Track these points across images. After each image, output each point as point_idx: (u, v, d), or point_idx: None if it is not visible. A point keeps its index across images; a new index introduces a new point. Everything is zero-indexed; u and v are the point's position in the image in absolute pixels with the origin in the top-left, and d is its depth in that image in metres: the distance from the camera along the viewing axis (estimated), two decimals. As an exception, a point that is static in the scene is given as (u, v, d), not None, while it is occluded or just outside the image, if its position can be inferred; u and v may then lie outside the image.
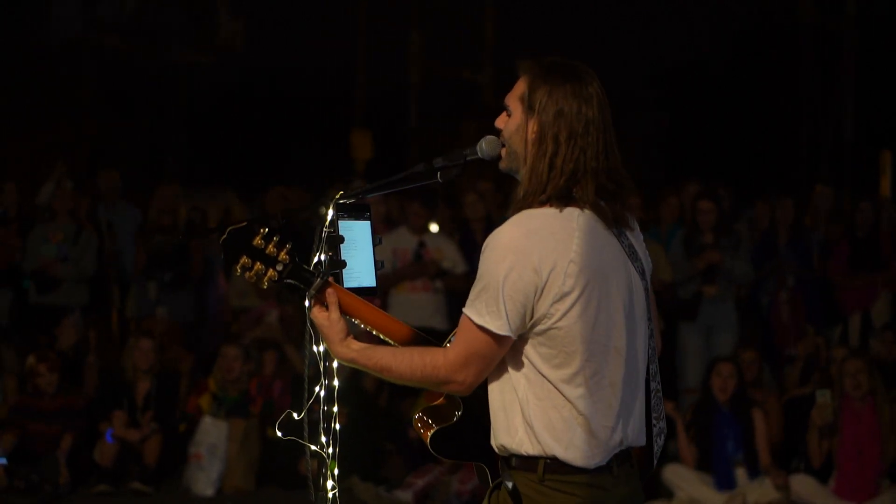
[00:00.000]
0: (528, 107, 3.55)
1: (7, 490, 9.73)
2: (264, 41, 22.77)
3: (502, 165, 3.68)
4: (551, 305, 3.42)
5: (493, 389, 3.56)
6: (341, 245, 3.76)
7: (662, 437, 3.76)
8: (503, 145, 3.66)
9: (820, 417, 9.30)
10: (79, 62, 21.95)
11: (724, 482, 9.42)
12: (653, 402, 3.69)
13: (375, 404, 10.45)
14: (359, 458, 9.75)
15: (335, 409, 3.93)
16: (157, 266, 11.51)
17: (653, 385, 3.68)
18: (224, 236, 3.68)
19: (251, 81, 23.26)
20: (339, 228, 3.78)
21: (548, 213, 3.48)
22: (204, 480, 9.97)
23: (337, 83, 23.31)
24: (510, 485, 3.53)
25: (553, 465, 3.47)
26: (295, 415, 3.88)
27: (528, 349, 3.48)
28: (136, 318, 11.60)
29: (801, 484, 9.31)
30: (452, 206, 11.88)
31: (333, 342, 3.64)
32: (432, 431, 3.68)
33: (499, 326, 3.42)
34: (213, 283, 11.93)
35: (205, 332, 11.88)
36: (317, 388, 3.90)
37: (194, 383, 10.80)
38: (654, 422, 3.70)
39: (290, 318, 11.12)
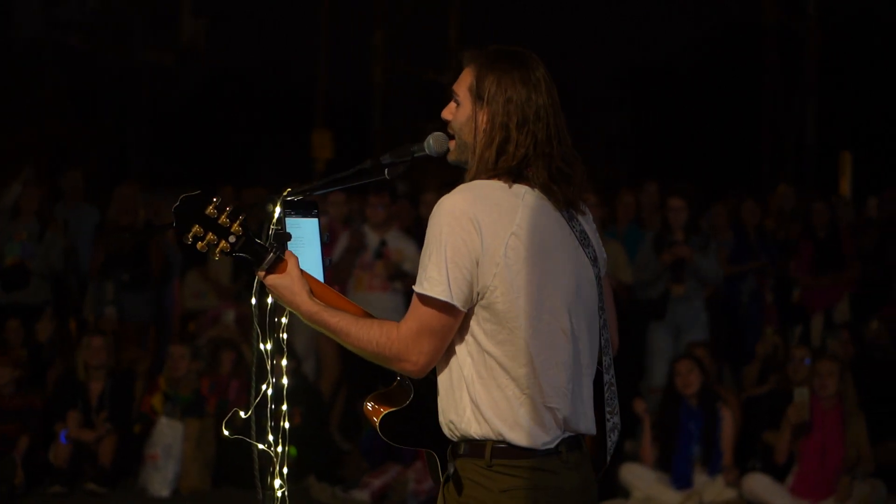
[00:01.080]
0: (477, 96, 3.54)
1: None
2: (227, 41, 22.76)
3: (451, 158, 3.65)
4: (493, 277, 3.38)
5: (441, 369, 3.52)
6: (289, 242, 3.73)
7: (616, 433, 3.72)
8: (451, 138, 3.65)
9: (796, 415, 9.31)
10: (40, 62, 21.86)
11: (683, 481, 9.42)
12: (606, 395, 3.66)
13: (332, 404, 10.43)
14: (316, 458, 9.73)
15: (284, 407, 3.92)
16: (115, 266, 11.45)
17: (606, 378, 3.66)
18: (176, 204, 3.63)
19: (213, 81, 23.23)
20: (287, 226, 3.76)
21: (495, 184, 3.47)
22: (160, 481, 9.91)
23: (299, 83, 23.31)
24: (451, 470, 3.51)
25: (500, 450, 3.44)
26: (242, 413, 3.86)
27: (473, 326, 3.45)
28: (92, 319, 11.53)
29: (757, 482, 9.33)
30: (416, 205, 11.86)
31: (298, 295, 3.59)
32: (381, 415, 3.62)
33: (440, 292, 3.38)
34: (170, 284, 11.88)
35: (163, 333, 11.82)
36: (263, 387, 3.88)
37: (150, 384, 10.74)
38: (608, 416, 3.68)
39: (247, 318, 11.08)
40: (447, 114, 3.65)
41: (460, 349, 3.48)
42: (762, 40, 22.58)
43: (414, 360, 3.45)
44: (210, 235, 3.63)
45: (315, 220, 3.87)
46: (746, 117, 23.16)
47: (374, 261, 10.60)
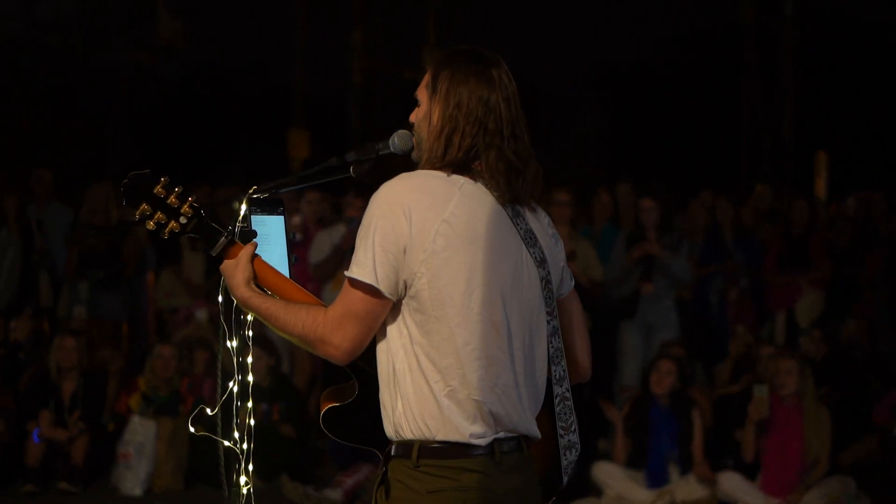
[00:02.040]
0: (432, 91, 3.55)
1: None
2: (204, 40, 22.70)
3: (415, 156, 3.66)
4: (421, 263, 3.37)
5: (381, 362, 3.50)
6: (254, 240, 3.74)
7: (574, 452, 3.62)
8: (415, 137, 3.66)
9: (756, 412, 9.35)
10: (17, 61, 21.78)
11: (656, 479, 9.45)
12: (557, 408, 3.59)
13: (305, 402, 10.42)
14: (288, 457, 9.72)
15: (250, 404, 3.92)
16: (89, 265, 11.42)
17: (558, 390, 3.59)
18: (125, 181, 3.64)
19: (191, 80, 23.18)
20: (252, 223, 3.78)
21: (433, 174, 3.47)
22: (132, 480, 9.89)
23: (277, 82, 23.27)
24: (382, 471, 3.49)
25: (428, 450, 3.40)
26: (208, 410, 3.87)
27: (406, 316, 3.42)
28: (66, 318, 11.50)
29: (729, 480, 9.37)
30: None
31: (235, 279, 3.61)
32: (326, 408, 3.62)
33: (365, 275, 3.38)
34: (143, 283, 11.86)
35: (137, 331, 11.79)
36: (230, 384, 3.88)
37: (124, 383, 10.72)
38: (562, 432, 3.59)
39: (220, 317, 11.06)
40: (412, 117, 3.67)
41: (394, 342, 3.45)
42: (739, 40, 22.61)
43: (337, 343, 3.43)
44: (159, 214, 3.65)
45: (281, 218, 3.90)
46: (723, 117, 23.19)
47: (348, 255, 10.60)
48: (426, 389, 3.39)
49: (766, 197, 13.16)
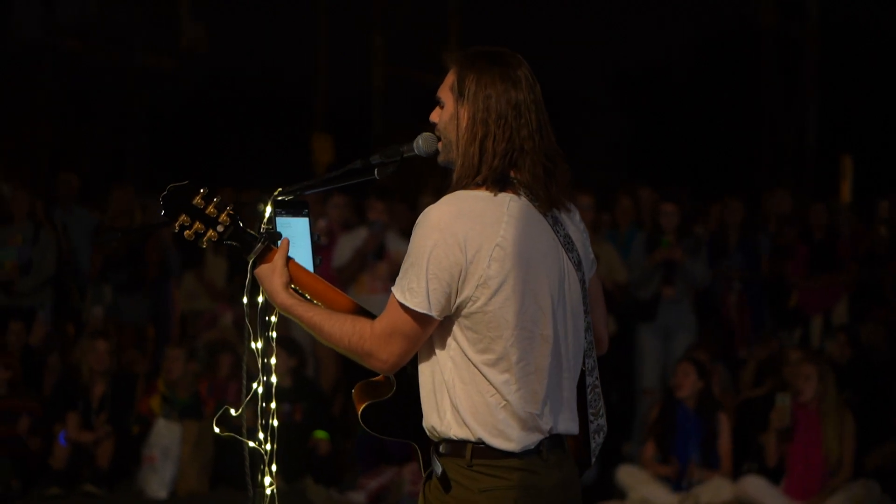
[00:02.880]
0: (459, 94, 3.56)
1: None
2: (226, 45, 22.75)
3: (440, 159, 3.67)
4: (476, 289, 3.42)
5: (424, 372, 3.56)
6: (279, 241, 3.76)
7: (601, 435, 3.74)
8: (439, 139, 3.67)
9: (778, 420, 9.35)
10: (39, 65, 21.86)
11: (681, 483, 9.44)
12: (589, 397, 3.69)
13: (329, 405, 10.44)
14: (312, 460, 9.74)
15: (273, 405, 3.94)
16: (112, 268, 11.47)
17: (589, 380, 3.68)
18: (164, 193, 3.70)
19: (213, 85, 23.23)
20: (278, 225, 3.80)
21: (479, 195, 3.49)
22: (157, 482, 9.92)
23: (299, 87, 23.31)
24: (439, 471, 3.53)
25: (480, 450, 3.47)
26: (233, 411, 3.88)
27: (455, 332, 3.48)
28: (90, 321, 11.54)
29: (753, 484, 9.35)
30: (413, 208, 11.88)
31: (274, 285, 3.65)
32: (364, 405, 3.66)
33: (418, 304, 3.43)
34: (168, 286, 11.90)
35: (160, 334, 11.84)
36: (254, 385, 3.90)
37: (147, 386, 10.76)
38: (592, 418, 3.70)
39: (244, 320, 11.08)
40: (433, 116, 3.68)
41: (441, 354, 3.51)
42: (761, 44, 22.58)
43: (384, 358, 3.50)
44: (197, 224, 3.71)
45: (306, 220, 3.90)
46: (746, 121, 23.16)
47: (375, 262, 10.61)
48: (480, 402, 3.46)
49: (784, 200, 13.13)
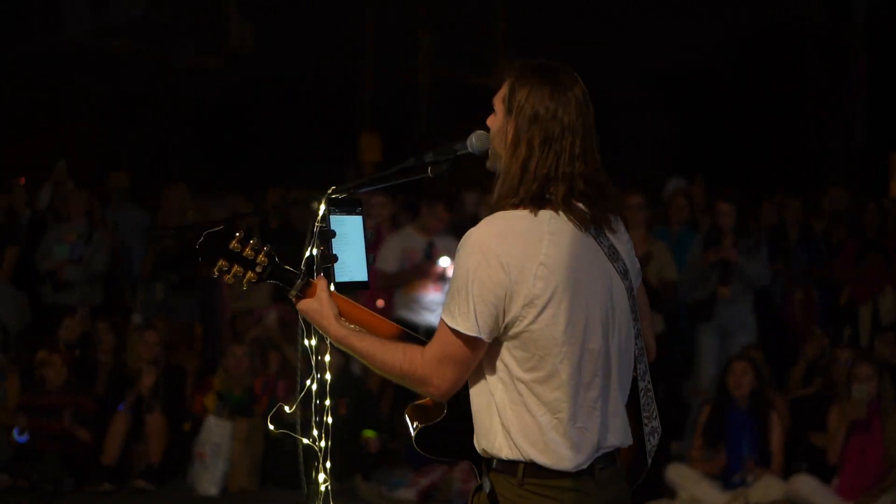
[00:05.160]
0: (508, 109, 3.56)
1: (10, 490, 9.74)
2: (273, 45, 22.79)
3: (489, 165, 3.69)
4: (522, 308, 3.41)
5: (473, 394, 3.56)
6: (333, 240, 3.77)
7: (656, 437, 3.74)
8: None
9: (854, 412, 9.26)
10: (87, 65, 21.98)
11: (732, 481, 9.42)
12: (642, 401, 3.69)
13: (377, 403, 10.46)
14: (362, 457, 9.77)
15: (327, 402, 3.96)
16: (164, 267, 11.54)
17: (641, 385, 3.68)
18: (200, 240, 3.75)
19: (259, 85, 23.27)
20: (331, 223, 3.80)
21: (519, 214, 3.48)
22: (208, 479, 9.98)
23: (345, 86, 23.32)
24: (488, 488, 3.53)
25: (532, 469, 3.46)
26: (287, 408, 3.91)
27: (503, 353, 3.48)
28: (143, 319, 11.61)
29: (804, 483, 9.31)
30: (457, 206, 11.88)
31: (326, 319, 3.68)
32: (416, 430, 3.69)
33: (468, 328, 3.42)
34: (218, 284, 11.95)
35: (210, 333, 11.90)
36: (308, 382, 3.92)
37: (198, 384, 10.82)
38: (646, 421, 3.70)
39: (289, 318, 11.14)
40: (489, 121, 3.68)
41: (490, 376, 3.51)
42: (807, 41, 22.45)
43: (437, 384, 3.51)
44: (236, 268, 3.75)
45: (359, 218, 3.91)
46: (793, 119, 23.02)
47: (424, 261, 10.60)
48: (531, 422, 3.46)
49: (840, 199, 13.08)
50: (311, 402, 3.95)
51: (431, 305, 10.28)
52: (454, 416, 3.63)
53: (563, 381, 3.44)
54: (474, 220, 11.52)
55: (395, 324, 3.75)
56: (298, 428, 3.91)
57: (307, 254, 3.77)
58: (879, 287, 11.65)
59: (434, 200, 10.60)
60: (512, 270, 3.40)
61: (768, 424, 9.49)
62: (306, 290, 3.71)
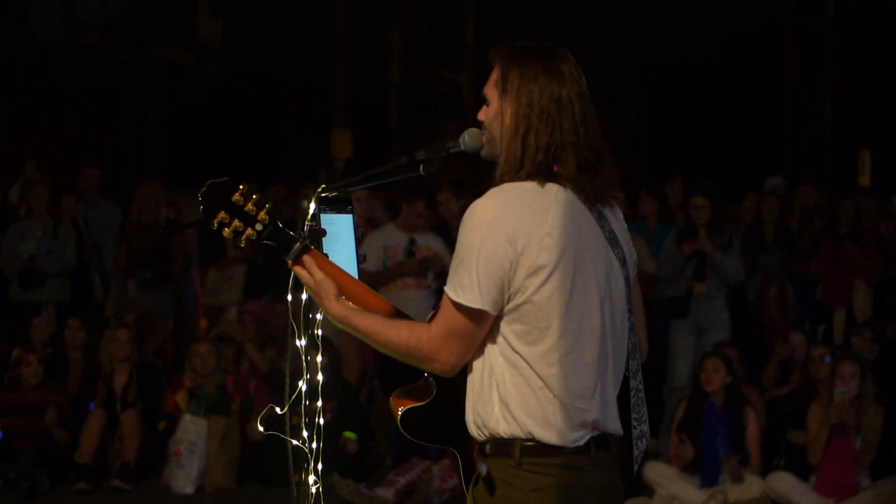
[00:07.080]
0: (502, 90, 3.55)
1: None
2: (245, 41, 22.77)
3: (484, 152, 3.65)
4: (525, 279, 3.39)
5: (471, 368, 3.53)
6: (324, 238, 3.74)
7: (644, 442, 3.70)
8: (485, 134, 3.65)
9: (837, 415, 9.22)
10: (59, 62, 21.92)
11: (709, 479, 9.41)
12: (633, 401, 3.65)
13: (357, 400, 10.42)
14: (340, 455, 9.72)
15: (319, 404, 3.93)
16: (138, 264, 11.48)
17: (632, 383, 3.65)
18: (204, 189, 3.64)
19: (232, 81, 23.26)
20: (322, 222, 3.77)
21: (525, 186, 3.46)
22: (184, 478, 9.92)
23: (317, 82, 23.32)
24: (484, 472, 3.50)
25: (530, 448, 3.44)
26: (278, 409, 3.87)
27: (504, 326, 3.45)
28: (114, 316, 11.56)
29: (782, 481, 9.31)
30: (433, 205, 11.84)
31: (326, 299, 3.61)
32: (403, 410, 3.64)
33: (471, 300, 3.39)
34: (191, 281, 11.91)
35: (182, 330, 11.85)
36: (299, 383, 3.89)
37: (170, 381, 10.75)
38: (635, 423, 3.66)
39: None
40: (480, 115, 3.66)
41: (490, 349, 3.49)
42: (780, 40, 22.55)
43: (444, 360, 3.47)
44: (236, 222, 3.64)
45: (350, 217, 3.89)
46: (765, 116, 23.13)
47: (406, 259, 10.56)
48: (530, 396, 3.43)
49: (810, 195, 13.13)
50: (301, 402, 3.89)
51: (414, 301, 10.25)
52: (442, 400, 3.61)
53: (561, 357, 3.42)
54: (448, 220, 11.37)
55: (389, 302, 3.70)
56: (287, 430, 3.87)
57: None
58: (851, 288, 11.68)
59: (414, 197, 10.54)
60: (518, 242, 3.37)
61: (744, 421, 9.48)
62: (301, 257, 3.63)
